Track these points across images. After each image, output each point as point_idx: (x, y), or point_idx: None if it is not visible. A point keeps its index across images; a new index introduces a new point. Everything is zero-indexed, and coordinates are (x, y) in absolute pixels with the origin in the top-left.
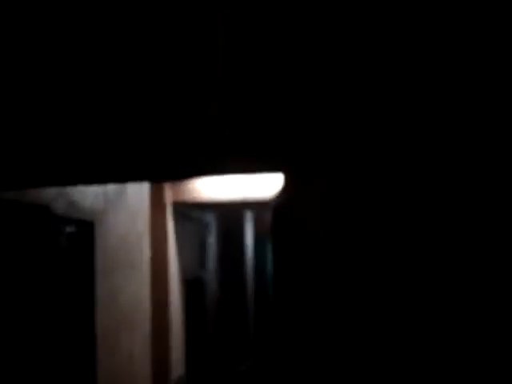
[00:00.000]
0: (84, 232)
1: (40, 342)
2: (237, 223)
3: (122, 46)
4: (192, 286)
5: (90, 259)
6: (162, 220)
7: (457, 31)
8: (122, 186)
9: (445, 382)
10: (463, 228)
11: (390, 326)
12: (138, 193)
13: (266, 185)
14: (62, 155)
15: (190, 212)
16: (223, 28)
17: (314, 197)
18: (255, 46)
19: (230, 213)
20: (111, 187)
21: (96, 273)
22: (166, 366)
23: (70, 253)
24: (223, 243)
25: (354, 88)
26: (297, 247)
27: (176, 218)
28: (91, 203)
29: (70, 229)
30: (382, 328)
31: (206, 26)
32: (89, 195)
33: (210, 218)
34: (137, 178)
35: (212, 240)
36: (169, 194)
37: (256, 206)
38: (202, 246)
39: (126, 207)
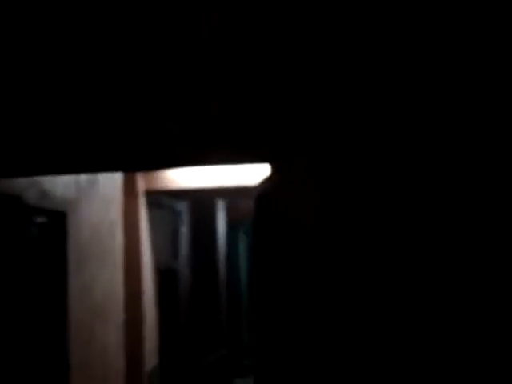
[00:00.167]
0: (56, 222)
1: (11, 334)
2: (209, 211)
3: (101, 36)
4: (165, 275)
5: (62, 250)
6: (134, 209)
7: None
8: (93, 174)
9: (441, 382)
10: (458, 223)
11: (385, 322)
12: (111, 181)
13: (239, 172)
14: (34, 144)
15: (163, 200)
16: (206, 16)
17: (304, 186)
18: (243, 35)
19: (202, 201)
20: (83, 176)
21: (69, 263)
22: (139, 358)
23: (41, 244)
24: (195, 232)
25: (344, 79)
26: (283, 237)
27: (149, 206)
28: (63, 192)
29: (41, 219)
30: (374, 323)
31: (189, 15)
32: (61, 184)
33: (183, 207)
34: (119, 167)
35: (184, 229)
36: (141, 182)
37: (228, 194)
38: (175, 235)
39: (98, 196)
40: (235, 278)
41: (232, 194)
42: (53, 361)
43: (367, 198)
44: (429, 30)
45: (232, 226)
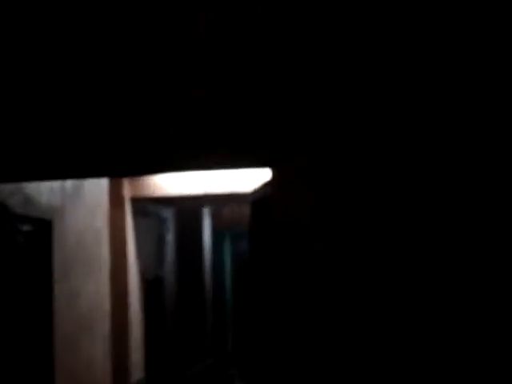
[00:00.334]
0: (41, 230)
1: None
2: (194, 219)
3: (90, 38)
4: (151, 283)
5: (47, 259)
6: (120, 216)
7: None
8: (79, 180)
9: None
10: (458, 223)
11: (387, 323)
12: (96, 188)
13: (227, 179)
14: (18, 149)
15: (148, 208)
16: (204, 15)
17: (305, 190)
18: (242, 35)
19: (187, 208)
20: (69, 182)
21: (54, 273)
22: (125, 369)
23: (27, 252)
24: (181, 239)
25: (344, 79)
26: (283, 244)
27: (134, 214)
28: (48, 199)
29: (27, 227)
30: (377, 325)
31: (187, 14)
32: (46, 191)
33: (168, 214)
34: (110, 172)
35: (170, 236)
36: (127, 188)
37: (215, 202)
38: (161, 243)
39: (84, 203)
40: (221, 287)
41: (220, 201)
42: (37, 372)
43: (370, 202)
44: (430, 28)
45: (217, 234)
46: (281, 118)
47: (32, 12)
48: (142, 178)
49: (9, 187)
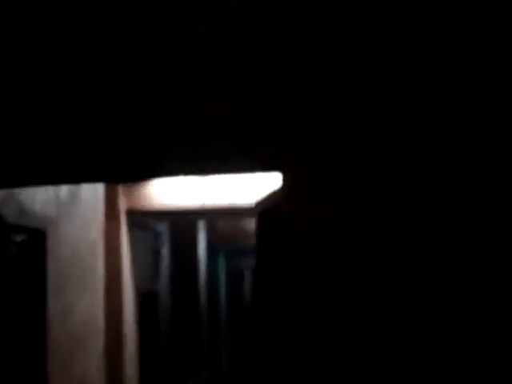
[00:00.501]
0: (35, 241)
1: None
2: (189, 232)
3: (82, 37)
4: (145, 298)
5: (41, 270)
6: (116, 228)
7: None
8: (74, 190)
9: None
10: (485, 235)
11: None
12: (92, 198)
13: (224, 191)
14: (9, 152)
15: (144, 220)
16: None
17: (323, 202)
18: (248, 30)
19: (182, 221)
20: (64, 192)
21: (48, 285)
22: None
23: (20, 264)
24: (176, 253)
25: (364, 78)
26: (296, 260)
27: (129, 226)
28: (43, 209)
29: (20, 237)
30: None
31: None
32: (40, 201)
33: (163, 227)
34: (108, 177)
35: (165, 250)
36: (123, 200)
37: (213, 215)
38: (156, 257)
39: (79, 214)
40: (215, 301)
41: (217, 215)
42: None
43: (395, 212)
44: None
45: (212, 248)
46: (293, 116)
47: (31, 20)
48: (137, 189)
49: (2, 196)
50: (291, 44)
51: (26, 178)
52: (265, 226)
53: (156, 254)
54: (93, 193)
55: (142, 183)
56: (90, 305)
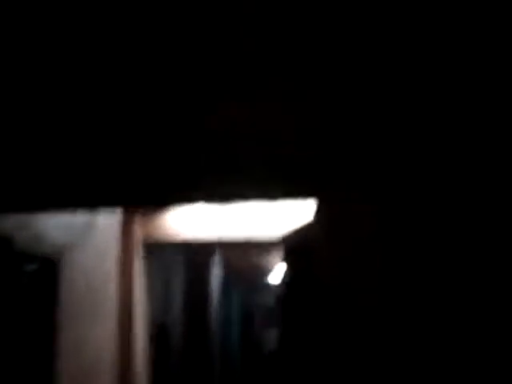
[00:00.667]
0: (47, 270)
1: None
2: (203, 264)
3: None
4: (157, 330)
5: (52, 302)
6: (130, 258)
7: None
8: (90, 218)
9: None
10: None
11: None
12: (108, 227)
13: (242, 224)
14: (23, 176)
15: (158, 251)
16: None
17: (368, 242)
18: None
19: (196, 253)
20: (79, 219)
21: (59, 318)
22: None
23: (30, 295)
24: (189, 285)
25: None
26: (332, 305)
27: (144, 256)
28: (57, 237)
29: (32, 266)
30: None
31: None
32: (54, 228)
33: (178, 258)
34: (131, 201)
35: (178, 282)
36: (139, 229)
37: (229, 248)
38: (169, 288)
39: (94, 242)
40: (227, 336)
41: (233, 248)
42: None
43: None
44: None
45: (226, 281)
46: (338, 143)
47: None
48: (154, 218)
49: (16, 221)
50: (330, 72)
51: (43, 202)
52: (293, 263)
53: (169, 285)
54: (109, 221)
55: (159, 212)
56: (102, 339)
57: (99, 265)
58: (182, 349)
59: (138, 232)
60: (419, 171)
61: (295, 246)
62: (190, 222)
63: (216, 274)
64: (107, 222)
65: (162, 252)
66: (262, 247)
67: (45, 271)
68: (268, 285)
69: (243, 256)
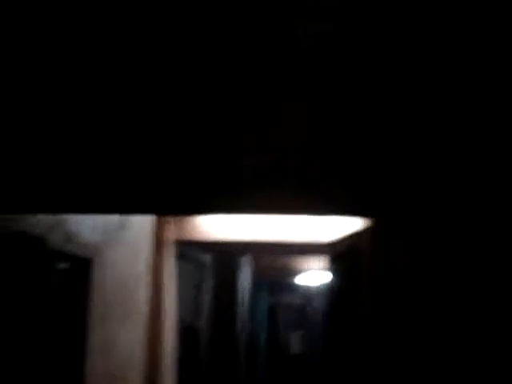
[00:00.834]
0: (79, 269)
1: None
2: (233, 266)
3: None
4: (186, 333)
5: (84, 302)
6: (162, 260)
7: None
8: (123, 218)
9: None
10: None
11: None
12: (140, 227)
13: (275, 226)
14: (59, 179)
15: (189, 252)
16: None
17: (411, 254)
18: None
19: (227, 254)
20: (112, 219)
21: (90, 318)
22: None
23: (62, 294)
24: (219, 287)
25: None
26: (379, 311)
27: (175, 257)
28: (89, 236)
29: (64, 265)
30: None
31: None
32: (87, 227)
33: (208, 260)
34: (170, 210)
35: (209, 283)
36: (171, 231)
37: (261, 250)
38: (199, 290)
39: (126, 243)
40: (256, 339)
41: (263, 249)
42: None
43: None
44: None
45: (255, 283)
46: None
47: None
48: (187, 219)
49: (49, 221)
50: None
51: (76, 205)
52: (342, 269)
53: (199, 287)
54: (142, 221)
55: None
56: (132, 341)
57: (131, 264)
58: (210, 351)
59: (171, 232)
60: (455, 191)
61: (343, 253)
62: (223, 222)
63: (246, 274)
64: (140, 221)
65: (192, 252)
66: (291, 249)
67: (77, 270)
68: (297, 286)
69: (272, 257)
